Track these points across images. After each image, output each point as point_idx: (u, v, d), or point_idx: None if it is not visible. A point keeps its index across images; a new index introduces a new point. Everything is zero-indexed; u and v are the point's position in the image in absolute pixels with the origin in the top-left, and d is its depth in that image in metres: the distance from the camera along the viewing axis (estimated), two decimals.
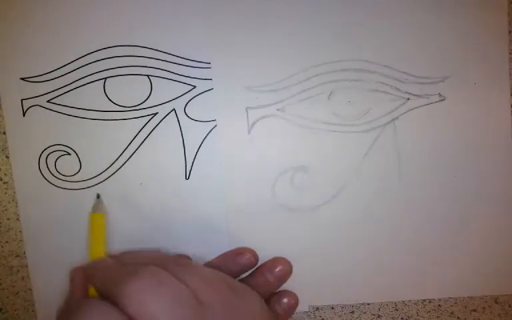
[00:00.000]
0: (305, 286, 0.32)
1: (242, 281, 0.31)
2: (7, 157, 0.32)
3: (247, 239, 0.32)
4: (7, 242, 0.33)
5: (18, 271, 0.33)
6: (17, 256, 0.33)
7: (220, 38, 0.31)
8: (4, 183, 0.33)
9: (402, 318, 0.33)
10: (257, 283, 0.31)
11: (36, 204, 0.32)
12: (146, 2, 0.31)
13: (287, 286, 0.32)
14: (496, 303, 0.33)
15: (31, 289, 0.33)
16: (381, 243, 0.32)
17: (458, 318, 0.33)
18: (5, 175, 0.32)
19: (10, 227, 0.33)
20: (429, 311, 0.33)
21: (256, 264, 0.31)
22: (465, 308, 0.33)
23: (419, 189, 0.31)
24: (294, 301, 0.31)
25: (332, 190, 0.32)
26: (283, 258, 0.32)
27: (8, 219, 0.33)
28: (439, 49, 0.30)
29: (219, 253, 0.32)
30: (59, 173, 0.32)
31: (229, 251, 0.32)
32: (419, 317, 0.33)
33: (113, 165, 0.32)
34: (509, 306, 0.33)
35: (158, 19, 0.31)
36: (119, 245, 0.32)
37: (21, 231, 0.33)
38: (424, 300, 0.33)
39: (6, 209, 0.33)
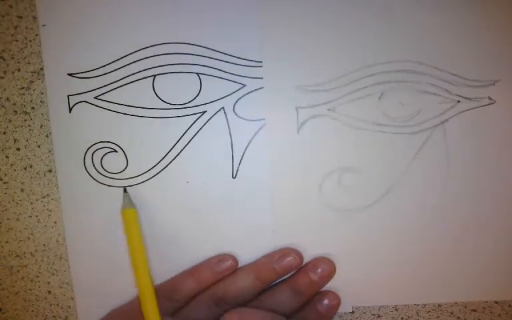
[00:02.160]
0: (348, 287, 0.32)
1: (285, 280, 0.31)
2: (7, 157, 0.32)
3: (293, 238, 0.32)
4: (7, 242, 0.33)
5: (18, 271, 0.33)
6: (17, 256, 0.33)
7: (272, 37, 0.31)
8: (4, 182, 0.32)
9: (402, 318, 0.33)
10: (299, 282, 0.31)
11: (80, 201, 0.32)
12: None
13: (330, 286, 0.32)
14: (496, 303, 0.33)
15: (31, 289, 0.33)
16: (426, 246, 0.32)
17: (458, 318, 0.33)
18: (5, 175, 0.32)
19: (10, 227, 0.33)
20: (429, 311, 0.33)
21: (301, 264, 0.32)
22: (465, 308, 0.33)
23: (467, 192, 0.31)
24: (336, 301, 0.32)
25: (379, 191, 0.32)
26: (327, 258, 0.32)
27: (8, 219, 0.32)
28: (490, 51, 0.30)
29: (264, 253, 0.32)
30: (105, 170, 0.32)
31: (273, 252, 0.32)
32: (419, 317, 0.33)
33: (160, 162, 0.31)
34: (509, 306, 0.33)
35: (209, 17, 0.31)
36: (163, 242, 0.32)
37: (21, 231, 0.33)
38: None
39: (6, 209, 0.32)
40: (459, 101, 0.31)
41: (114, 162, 0.31)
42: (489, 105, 0.31)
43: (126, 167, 0.31)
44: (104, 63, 0.31)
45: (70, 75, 0.31)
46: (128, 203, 0.31)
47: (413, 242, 0.32)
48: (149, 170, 0.31)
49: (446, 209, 0.32)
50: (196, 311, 0.30)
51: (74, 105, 0.31)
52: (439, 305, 0.33)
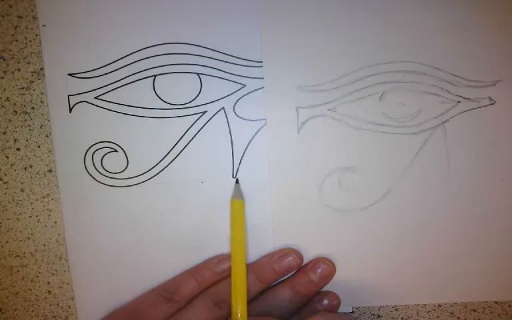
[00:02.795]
0: (348, 287, 0.32)
1: (285, 281, 0.31)
2: (7, 157, 0.32)
3: (292, 239, 0.32)
4: (7, 242, 0.33)
5: (18, 271, 0.33)
6: (17, 256, 0.33)
7: (273, 37, 0.31)
8: (4, 182, 0.32)
9: (402, 318, 0.33)
10: (299, 282, 0.31)
11: (80, 201, 0.32)
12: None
13: (330, 287, 0.32)
14: (496, 303, 0.33)
15: (31, 289, 0.33)
16: (426, 246, 0.32)
17: (458, 318, 0.33)
18: (5, 174, 0.32)
19: (10, 227, 0.33)
20: (429, 311, 0.33)
21: (301, 265, 0.32)
22: (465, 308, 0.33)
23: (467, 193, 0.31)
24: (335, 301, 0.32)
25: (379, 192, 0.32)
26: (327, 258, 0.32)
27: (8, 219, 0.32)
28: (490, 52, 0.30)
29: (264, 253, 0.32)
30: (106, 170, 0.32)
31: (273, 252, 0.32)
32: (419, 317, 0.33)
33: (161, 162, 0.31)
34: (509, 306, 0.33)
35: (209, 17, 0.31)
36: (163, 242, 0.32)
37: (21, 231, 0.33)
38: None
39: (6, 209, 0.32)
40: (459, 102, 0.31)
41: (114, 162, 0.31)
42: (489, 105, 0.31)
43: (126, 167, 0.31)
44: (104, 63, 0.31)
45: (70, 75, 0.31)
46: (238, 194, 0.31)
47: (413, 242, 0.32)
48: (150, 170, 0.31)
49: (446, 209, 0.32)
50: (196, 311, 0.30)
51: (74, 105, 0.31)
52: (439, 305, 0.33)
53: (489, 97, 0.31)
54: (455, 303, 0.33)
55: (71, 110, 0.31)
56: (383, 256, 0.32)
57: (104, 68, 0.31)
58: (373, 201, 0.32)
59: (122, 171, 0.32)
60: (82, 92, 0.31)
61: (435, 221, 0.32)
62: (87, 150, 0.31)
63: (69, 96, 0.31)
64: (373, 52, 0.31)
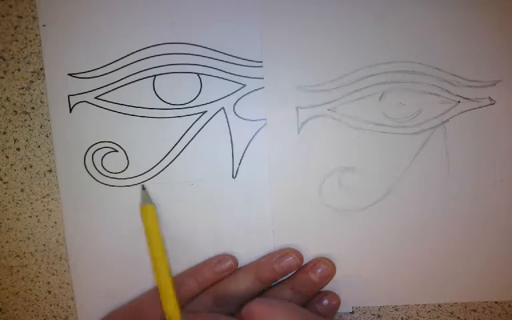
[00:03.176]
0: (348, 287, 0.32)
1: (285, 281, 0.31)
2: (7, 157, 0.32)
3: (292, 239, 0.32)
4: (7, 242, 0.33)
5: (18, 271, 0.33)
6: (17, 256, 0.33)
7: (273, 37, 0.31)
8: (4, 182, 0.32)
9: (402, 318, 0.33)
10: (299, 282, 0.31)
11: (80, 201, 0.32)
12: None
13: (330, 286, 0.32)
14: (496, 303, 0.33)
15: (31, 289, 0.33)
16: (426, 246, 0.32)
17: (458, 318, 0.33)
18: (5, 174, 0.32)
19: (10, 227, 0.33)
20: (429, 311, 0.33)
21: (301, 265, 0.32)
22: (465, 308, 0.33)
23: (467, 193, 0.31)
24: (335, 301, 0.32)
25: (379, 192, 0.32)
26: (327, 258, 0.32)
27: (8, 219, 0.32)
28: (490, 52, 0.30)
29: (264, 253, 0.32)
30: (106, 169, 0.32)
31: (273, 252, 0.32)
32: (419, 317, 0.33)
33: (161, 162, 0.31)
34: (509, 306, 0.33)
35: (209, 17, 0.31)
36: (167, 242, 0.32)
37: (21, 231, 0.33)
38: None
39: (6, 209, 0.32)
40: (459, 102, 0.31)
41: (114, 162, 0.31)
42: (489, 105, 0.31)
43: (127, 167, 0.31)
44: (104, 63, 0.31)
45: (70, 74, 0.31)
46: (147, 199, 0.31)
47: (413, 242, 0.32)
48: (150, 170, 0.31)
49: (446, 209, 0.32)
50: (196, 311, 0.30)
51: (74, 105, 0.31)
52: (439, 305, 0.33)
53: (489, 97, 0.31)
54: (455, 303, 0.33)
55: (71, 110, 0.31)
56: (382, 256, 0.32)
57: (104, 68, 0.31)
58: (373, 200, 0.32)
59: (122, 171, 0.32)
60: (82, 92, 0.31)
61: (435, 221, 0.32)
62: (87, 150, 0.31)
63: (69, 96, 0.31)
64: (372, 52, 0.31)
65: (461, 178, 0.31)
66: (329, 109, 0.31)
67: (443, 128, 0.31)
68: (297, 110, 0.31)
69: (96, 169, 0.31)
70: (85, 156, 0.31)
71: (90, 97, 0.31)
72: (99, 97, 0.31)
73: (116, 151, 0.31)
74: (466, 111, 0.31)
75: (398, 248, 0.32)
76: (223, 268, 0.31)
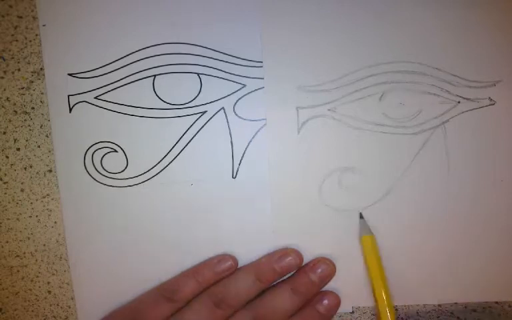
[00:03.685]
0: (348, 287, 0.32)
1: (285, 281, 0.31)
2: (7, 157, 0.32)
3: (292, 239, 0.32)
4: (7, 242, 0.33)
5: (18, 271, 0.33)
6: (17, 256, 0.33)
7: (273, 37, 0.31)
8: (4, 182, 0.32)
9: (402, 318, 0.33)
10: (299, 282, 0.31)
11: (80, 201, 0.32)
12: None
13: (330, 286, 0.32)
14: (496, 303, 0.33)
15: (31, 289, 0.33)
16: (426, 247, 0.32)
17: (458, 318, 0.33)
18: (5, 174, 0.32)
19: (10, 227, 0.33)
20: (428, 311, 0.33)
21: (300, 265, 0.32)
22: (465, 308, 0.33)
23: (467, 193, 0.31)
24: (336, 301, 0.32)
25: (379, 192, 0.32)
26: (327, 258, 0.32)
27: (8, 219, 0.32)
28: (490, 52, 0.30)
29: (264, 253, 0.32)
30: (105, 170, 0.32)
31: (274, 252, 0.32)
32: (419, 317, 0.33)
33: (160, 162, 0.31)
34: (509, 306, 0.33)
35: (209, 17, 0.31)
36: (163, 242, 0.32)
37: (21, 231, 0.33)
38: None
39: (6, 209, 0.32)
40: (459, 102, 0.31)
41: (114, 162, 0.31)
42: (489, 105, 0.31)
43: (126, 167, 0.31)
44: (104, 63, 0.31)
45: (70, 74, 0.31)
46: (367, 230, 0.31)
47: (413, 242, 0.32)
48: (149, 170, 0.31)
49: (446, 209, 0.32)
50: (196, 311, 0.30)
51: (74, 105, 0.31)
52: (439, 305, 0.33)
53: (489, 97, 0.31)
54: (455, 303, 0.33)
55: (70, 110, 0.31)
56: (382, 256, 0.32)
57: (104, 68, 0.31)
58: (373, 201, 0.32)
59: (122, 171, 0.32)
60: (82, 92, 0.31)
61: (435, 221, 0.32)
62: (87, 150, 0.31)
63: (68, 96, 0.31)
64: (373, 52, 0.31)
65: (460, 178, 0.31)
66: (329, 109, 0.31)
67: (443, 128, 0.31)
68: (297, 110, 0.31)
69: (95, 169, 0.31)
70: (85, 156, 0.31)
71: (90, 97, 0.31)
72: (99, 97, 0.31)
73: (115, 151, 0.31)
74: (466, 111, 0.31)
75: (398, 248, 0.32)
76: (222, 268, 0.31)
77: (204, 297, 0.30)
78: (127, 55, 0.31)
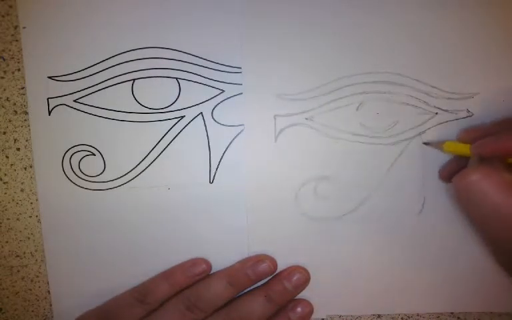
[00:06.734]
0: (322, 295, 0.32)
1: (259, 288, 0.32)
2: (7, 157, 0.32)
3: (267, 246, 0.32)
4: (7, 242, 0.33)
5: (18, 271, 0.33)
6: (17, 256, 0.33)
7: (252, 43, 0.31)
8: (4, 182, 0.32)
9: (402, 318, 0.33)
10: (273, 290, 0.31)
11: (58, 203, 0.32)
12: (177, 4, 0.31)
13: (304, 295, 0.32)
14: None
15: (30, 289, 0.33)
16: (401, 256, 0.32)
17: (458, 318, 0.33)
18: (5, 174, 0.32)
19: (10, 227, 0.33)
20: (429, 311, 0.33)
21: (274, 271, 0.32)
22: None
23: (442, 203, 0.31)
24: (308, 309, 0.32)
25: (355, 201, 0.32)
26: (301, 267, 0.32)
27: (8, 218, 0.33)
28: (468, 65, 0.30)
29: (238, 259, 0.32)
30: (83, 173, 0.32)
31: (248, 258, 0.32)
32: (419, 317, 0.33)
33: (138, 166, 0.32)
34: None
35: (189, 22, 0.31)
36: (138, 245, 0.32)
37: (21, 231, 0.33)
38: None
39: (6, 209, 0.33)
40: (436, 113, 0.31)
41: (92, 165, 0.32)
42: (466, 117, 0.31)
43: (104, 170, 0.32)
44: (83, 66, 0.31)
45: (50, 77, 0.31)
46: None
47: (389, 252, 0.32)
48: (127, 173, 0.32)
49: (421, 219, 0.32)
50: (168, 314, 0.30)
51: (53, 108, 0.31)
52: None
53: (467, 109, 0.31)
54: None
55: (50, 113, 0.31)
56: (358, 265, 0.32)
57: (83, 71, 0.31)
58: (349, 209, 0.32)
59: (99, 175, 0.32)
60: (61, 95, 0.31)
61: (411, 231, 0.32)
62: (65, 152, 0.32)
63: (48, 99, 0.31)
64: (351, 62, 0.31)
65: (436, 188, 0.31)
66: (306, 118, 0.31)
67: (419, 139, 0.31)
68: (274, 118, 0.31)
69: (73, 172, 0.32)
70: (63, 159, 0.32)
71: (69, 100, 0.31)
72: (78, 100, 0.31)
73: (93, 154, 0.31)
74: (443, 123, 0.31)
75: (373, 257, 0.32)
76: (195, 271, 0.31)
77: (176, 300, 0.30)
78: (107, 59, 0.31)
